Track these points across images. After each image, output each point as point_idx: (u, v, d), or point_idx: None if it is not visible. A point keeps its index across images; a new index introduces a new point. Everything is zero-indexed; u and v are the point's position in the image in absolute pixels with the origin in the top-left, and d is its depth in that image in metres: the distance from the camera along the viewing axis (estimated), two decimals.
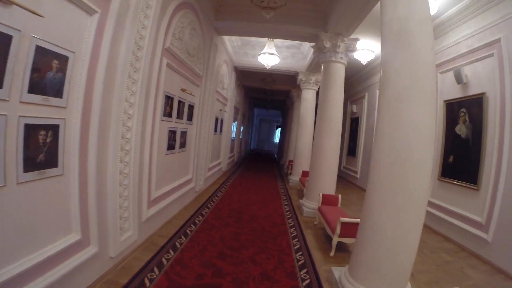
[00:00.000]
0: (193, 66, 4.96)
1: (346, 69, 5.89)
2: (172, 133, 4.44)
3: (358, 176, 10.09)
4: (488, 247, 3.98)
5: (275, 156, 21.07)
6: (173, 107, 4.32)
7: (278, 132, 29.68)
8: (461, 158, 4.85)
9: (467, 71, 4.80)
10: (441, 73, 5.46)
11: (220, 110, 8.14)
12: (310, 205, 5.80)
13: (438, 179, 5.29)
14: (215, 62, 6.48)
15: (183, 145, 5.04)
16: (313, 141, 6.13)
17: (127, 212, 3.08)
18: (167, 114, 4.14)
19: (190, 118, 5.24)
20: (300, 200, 6.35)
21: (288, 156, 12.29)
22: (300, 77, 9.29)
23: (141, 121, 3.20)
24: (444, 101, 5.27)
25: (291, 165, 10.23)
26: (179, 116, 4.67)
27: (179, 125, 4.71)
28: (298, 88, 11.75)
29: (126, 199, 3.04)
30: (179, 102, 4.56)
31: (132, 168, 3.10)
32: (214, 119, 7.30)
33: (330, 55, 5.75)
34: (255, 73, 11.10)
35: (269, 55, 7.80)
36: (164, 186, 4.32)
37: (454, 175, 4.91)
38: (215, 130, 7.72)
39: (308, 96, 9.29)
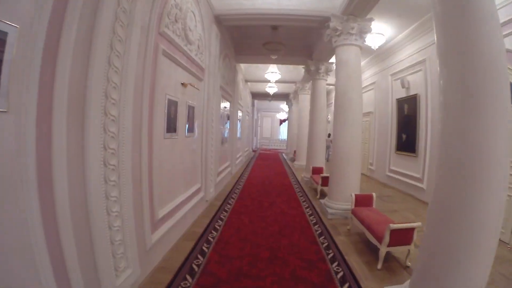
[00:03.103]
0: None
1: None
2: None
3: (424, 185, 6.36)
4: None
5: (284, 156, 16.83)
6: None
7: (282, 128, 26.77)
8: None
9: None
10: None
11: (183, 84, 3.86)
12: None
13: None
14: None
15: None
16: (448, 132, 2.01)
17: None
18: None
19: None
20: None
21: (312, 161, 8.02)
22: (333, 25, 5.13)
23: None
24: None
25: (322, 179, 6.20)
26: None
27: None
28: (320, 57, 7.73)
29: None
30: None
31: None
32: (164, 101, 3.15)
33: None
34: (252, 30, 6.98)
35: None
36: None
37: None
38: (171, 130, 3.49)
39: (349, 57, 5.16)
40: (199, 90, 4.52)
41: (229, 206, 5.40)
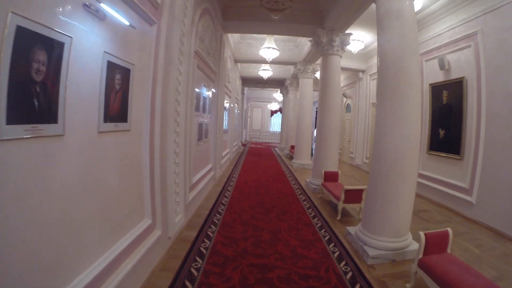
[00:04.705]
0: None
1: None
2: None
3: (472, 199, 4.69)
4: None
5: (277, 151, 14.93)
6: None
7: (273, 119, 25.02)
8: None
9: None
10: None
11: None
12: None
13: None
14: None
15: None
16: None
17: None
18: None
19: None
20: None
21: (322, 162, 6.06)
22: None
23: None
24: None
25: (345, 193, 4.32)
26: None
27: None
28: (335, 26, 5.80)
29: None
30: None
31: None
32: None
33: None
34: None
35: None
36: None
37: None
38: (30, 115, 1.41)
39: (401, 7, 3.37)
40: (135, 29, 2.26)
41: (207, 242, 3.35)
